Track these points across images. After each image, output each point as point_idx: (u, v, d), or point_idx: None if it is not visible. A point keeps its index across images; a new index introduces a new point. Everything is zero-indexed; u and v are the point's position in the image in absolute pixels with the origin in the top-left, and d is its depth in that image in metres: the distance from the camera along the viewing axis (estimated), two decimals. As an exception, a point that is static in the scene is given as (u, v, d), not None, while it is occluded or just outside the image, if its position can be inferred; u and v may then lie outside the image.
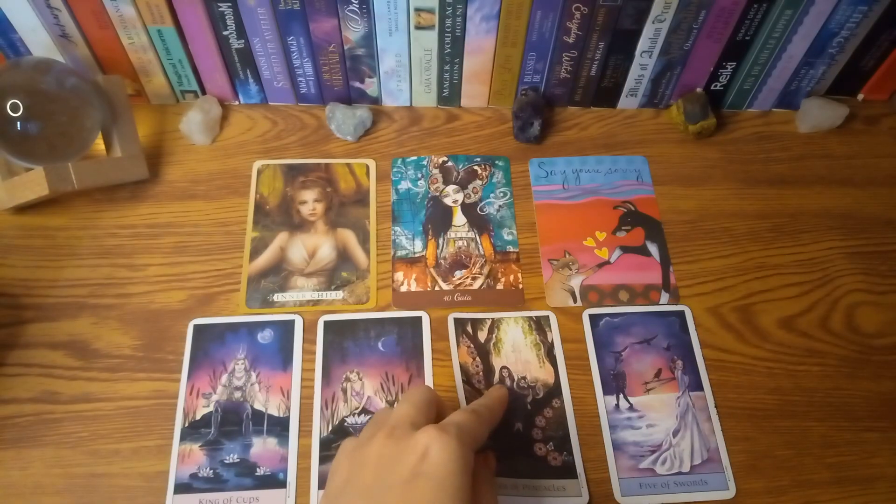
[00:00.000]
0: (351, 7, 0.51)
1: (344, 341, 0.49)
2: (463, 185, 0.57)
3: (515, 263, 0.53)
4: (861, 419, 0.47)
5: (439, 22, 0.53)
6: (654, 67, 0.57)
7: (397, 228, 0.55)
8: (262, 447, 0.45)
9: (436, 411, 0.39)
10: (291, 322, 0.50)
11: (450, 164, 0.58)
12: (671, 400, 0.48)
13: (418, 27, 0.53)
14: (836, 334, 0.51)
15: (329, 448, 0.45)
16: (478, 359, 0.49)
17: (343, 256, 0.53)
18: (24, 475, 0.44)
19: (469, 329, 0.50)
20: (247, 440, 0.46)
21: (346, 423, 0.46)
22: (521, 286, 0.52)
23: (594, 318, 0.51)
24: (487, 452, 0.41)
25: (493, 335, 0.50)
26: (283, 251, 0.53)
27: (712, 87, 0.60)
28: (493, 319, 0.51)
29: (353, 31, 0.54)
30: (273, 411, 0.47)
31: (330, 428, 0.46)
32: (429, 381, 0.48)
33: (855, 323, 0.51)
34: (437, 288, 0.52)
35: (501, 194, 0.57)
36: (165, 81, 0.58)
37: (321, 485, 0.44)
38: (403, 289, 0.52)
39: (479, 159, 0.58)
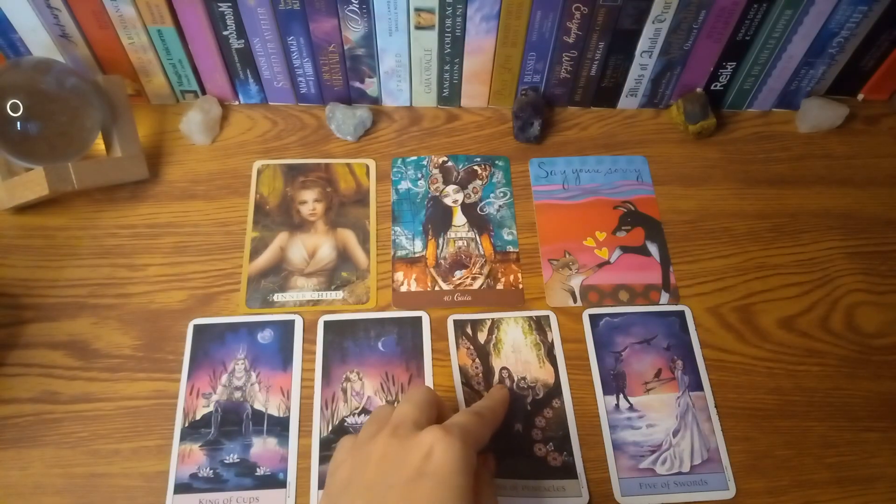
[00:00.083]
0: (351, 7, 0.51)
1: (344, 341, 0.49)
2: (463, 185, 0.57)
3: (515, 263, 0.53)
4: (861, 419, 0.47)
5: (439, 22, 0.53)
6: (654, 67, 0.57)
7: (397, 228, 0.55)
8: (262, 447, 0.45)
9: (437, 412, 0.39)
10: (291, 322, 0.50)
11: (450, 164, 0.58)
12: (671, 400, 0.48)
13: (418, 27, 0.53)
14: (836, 334, 0.51)
15: (329, 448, 0.45)
16: (477, 360, 0.49)
17: (343, 256, 0.53)
18: (24, 475, 0.44)
19: (469, 330, 0.50)
20: (247, 440, 0.46)
21: (346, 423, 0.46)
22: (521, 286, 0.52)
23: (594, 318, 0.51)
24: (487, 454, 0.41)
25: (493, 335, 0.50)
26: (283, 251, 0.53)
27: (712, 87, 0.60)
28: (492, 319, 0.51)
29: (353, 31, 0.54)
30: (273, 411, 0.47)
31: (330, 428, 0.46)
32: (429, 381, 0.48)
33: (855, 323, 0.51)
34: (437, 288, 0.52)
35: (501, 194, 0.57)
36: (165, 81, 0.58)
37: (321, 485, 0.44)
38: (403, 289, 0.52)
39: (479, 159, 0.58)
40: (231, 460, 0.45)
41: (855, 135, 0.61)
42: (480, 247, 0.54)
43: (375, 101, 0.61)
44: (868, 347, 0.50)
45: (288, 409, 0.47)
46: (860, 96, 0.63)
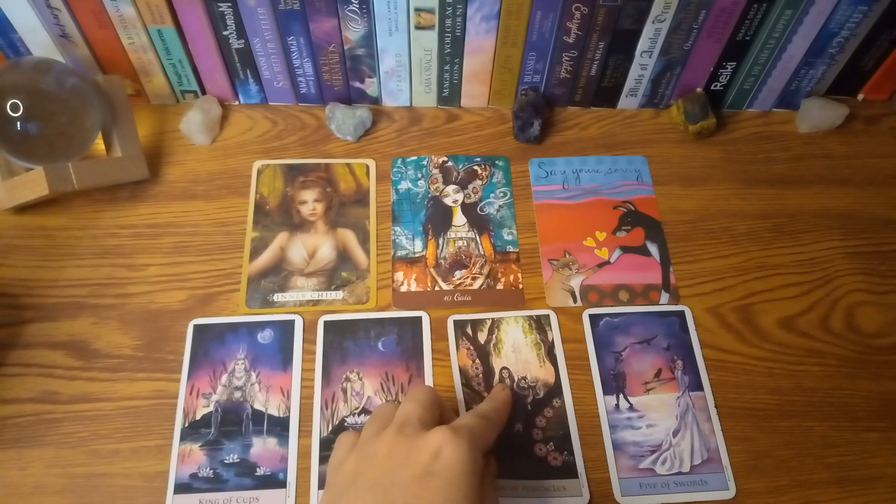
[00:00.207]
0: (351, 7, 0.51)
1: (344, 341, 0.49)
2: (463, 185, 0.57)
3: (515, 263, 0.53)
4: (861, 419, 0.47)
5: (439, 22, 0.53)
6: (654, 67, 0.57)
7: (397, 228, 0.55)
8: (262, 447, 0.45)
9: (440, 411, 0.39)
10: (291, 322, 0.50)
11: (450, 164, 0.58)
12: (671, 400, 0.48)
13: (418, 27, 0.53)
14: (836, 334, 0.51)
15: (329, 448, 0.45)
16: (477, 361, 0.49)
17: (343, 256, 0.53)
18: (24, 475, 0.44)
19: (469, 330, 0.50)
20: (247, 440, 0.46)
21: (346, 424, 0.46)
22: (521, 286, 0.52)
23: (594, 318, 0.51)
24: (489, 456, 0.41)
25: (494, 335, 0.50)
26: (283, 251, 0.53)
27: (712, 87, 0.60)
28: (493, 319, 0.51)
29: (353, 31, 0.54)
30: (273, 411, 0.47)
31: (330, 428, 0.46)
32: (429, 381, 0.48)
33: (855, 323, 0.51)
34: (437, 288, 0.52)
35: (501, 194, 0.57)
36: (165, 81, 0.58)
37: (321, 485, 0.44)
38: (403, 289, 0.52)
39: (479, 159, 0.58)
40: (231, 460, 0.45)
41: (855, 135, 0.61)
42: (480, 247, 0.54)
43: (375, 101, 0.61)
44: (868, 347, 0.50)
45: (288, 409, 0.47)
46: (860, 96, 0.63)
